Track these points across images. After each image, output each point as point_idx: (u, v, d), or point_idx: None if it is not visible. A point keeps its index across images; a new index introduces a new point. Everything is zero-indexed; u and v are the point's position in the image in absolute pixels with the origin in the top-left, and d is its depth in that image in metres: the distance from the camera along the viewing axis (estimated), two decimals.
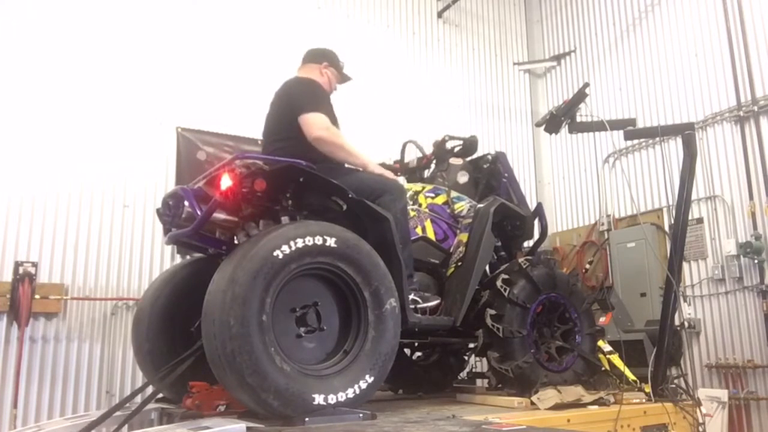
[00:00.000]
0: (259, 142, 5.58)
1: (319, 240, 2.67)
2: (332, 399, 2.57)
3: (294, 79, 3.47)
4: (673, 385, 3.87)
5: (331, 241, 2.70)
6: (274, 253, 2.54)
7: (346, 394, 2.62)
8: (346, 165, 3.34)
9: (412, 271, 3.30)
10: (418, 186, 4.01)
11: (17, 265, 4.64)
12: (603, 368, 3.80)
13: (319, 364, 2.71)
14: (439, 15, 7.54)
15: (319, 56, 3.63)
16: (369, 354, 2.75)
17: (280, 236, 2.60)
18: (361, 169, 3.34)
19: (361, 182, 3.21)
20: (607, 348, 3.91)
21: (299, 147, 3.14)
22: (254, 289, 2.46)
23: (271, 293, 2.52)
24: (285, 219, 2.87)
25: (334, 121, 3.28)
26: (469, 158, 4.22)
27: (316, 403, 2.52)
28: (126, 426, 2.92)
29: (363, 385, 2.69)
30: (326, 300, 2.81)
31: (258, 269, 2.49)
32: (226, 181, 2.65)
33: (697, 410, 3.74)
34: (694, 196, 4.88)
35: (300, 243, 2.61)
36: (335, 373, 2.67)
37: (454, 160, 4.14)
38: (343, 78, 3.72)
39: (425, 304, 3.32)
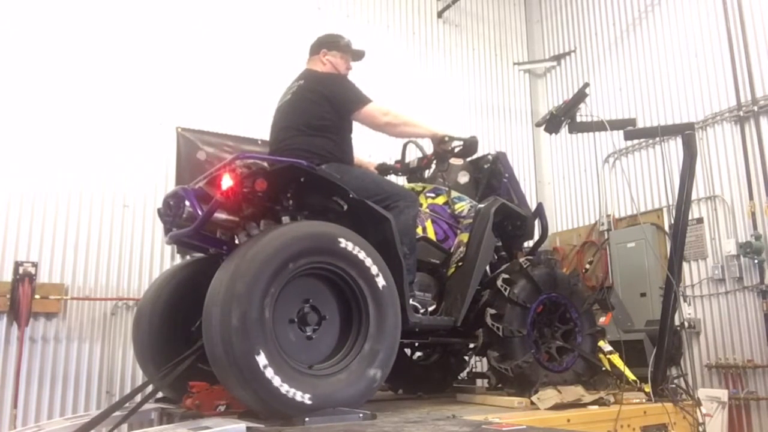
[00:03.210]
0: (260, 142, 5.64)
1: None
2: None
3: (314, 77, 3.43)
4: (673, 385, 3.87)
5: None
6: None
7: None
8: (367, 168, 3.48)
9: (414, 277, 3.30)
10: (418, 186, 4.01)
11: (17, 265, 4.64)
12: (603, 368, 3.80)
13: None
14: (439, 15, 7.53)
15: (316, 46, 3.63)
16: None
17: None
18: (429, 137, 3.53)
19: (378, 186, 3.25)
20: (607, 348, 3.91)
21: (321, 142, 3.20)
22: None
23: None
24: (286, 219, 2.87)
25: None
26: (469, 158, 4.21)
27: None
28: (126, 425, 2.91)
29: None
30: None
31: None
32: (227, 181, 2.64)
33: (697, 410, 3.74)
34: (694, 196, 4.88)
35: None
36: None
37: (454, 161, 4.14)
38: (354, 55, 3.69)
39: (423, 310, 3.32)
